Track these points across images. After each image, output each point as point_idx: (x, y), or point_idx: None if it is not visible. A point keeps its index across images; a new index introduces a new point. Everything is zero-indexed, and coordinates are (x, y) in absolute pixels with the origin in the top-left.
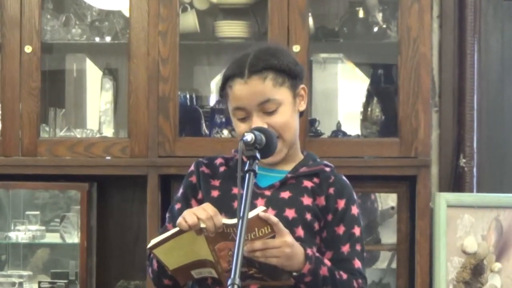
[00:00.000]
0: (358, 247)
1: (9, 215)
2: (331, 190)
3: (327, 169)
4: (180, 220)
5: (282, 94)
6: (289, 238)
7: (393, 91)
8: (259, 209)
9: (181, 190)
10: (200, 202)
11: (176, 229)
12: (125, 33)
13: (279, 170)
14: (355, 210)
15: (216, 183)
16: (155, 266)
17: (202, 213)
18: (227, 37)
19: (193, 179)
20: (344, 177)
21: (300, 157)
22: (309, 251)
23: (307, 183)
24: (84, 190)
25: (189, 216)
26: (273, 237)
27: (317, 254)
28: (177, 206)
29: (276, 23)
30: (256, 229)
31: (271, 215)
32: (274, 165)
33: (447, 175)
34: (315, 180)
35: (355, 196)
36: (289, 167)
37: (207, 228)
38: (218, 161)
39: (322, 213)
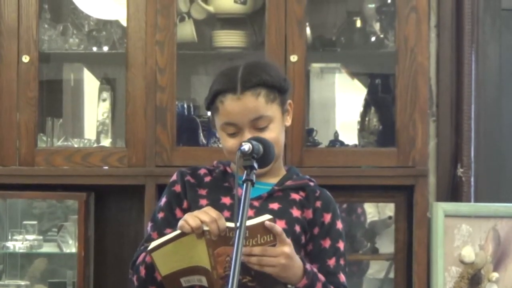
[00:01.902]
0: (342, 262)
1: (6, 224)
2: (318, 204)
3: (311, 183)
4: (182, 222)
5: (273, 110)
6: (288, 249)
7: (390, 101)
8: (265, 217)
9: (163, 199)
10: (185, 211)
11: (177, 231)
12: (122, 43)
13: (264, 182)
14: (339, 224)
15: (203, 192)
16: (142, 273)
17: (205, 216)
18: (224, 47)
19: (177, 188)
20: (327, 192)
21: (284, 171)
22: (308, 266)
23: (295, 196)
24: (82, 199)
25: (191, 219)
26: (274, 245)
27: (314, 270)
28: (160, 215)
29: (274, 32)
30: (258, 235)
31: (276, 225)
32: (259, 177)
33: (444, 184)
34: (302, 193)
35: (338, 211)
36: (273, 180)
37: (210, 231)
38: (202, 171)
39: (309, 226)
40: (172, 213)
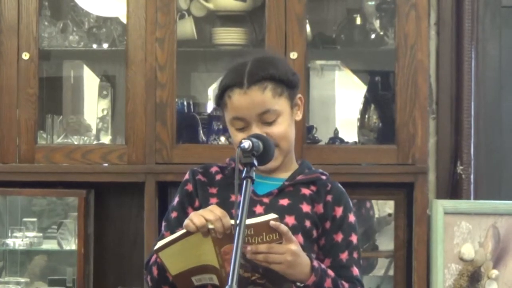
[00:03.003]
0: (355, 255)
1: (7, 222)
2: (329, 198)
3: (323, 177)
4: (187, 222)
5: (281, 104)
6: (294, 247)
7: (390, 98)
8: (271, 216)
9: (176, 199)
10: (197, 210)
11: (183, 231)
12: (122, 40)
13: (275, 178)
14: (352, 218)
15: (214, 190)
16: (155, 273)
17: (210, 215)
18: (224, 44)
19: (189, 187)
20: (340, 185)
21: (295, 165)
22: (315, 263)
23: (305, 191)
24: (82, 196)
25: (196, 218)
26: (280, 243)
27: (322, 266)
28: (173, 214)
29: (274, 30)
30: (264, 233)
31: (281, 225)
32: (270, 173)
33: (444, 182)
34: (312, 187)
35: (351, 204)
36: (285, 175)
37: (215, 229)
38: (214, 169)
39: (320, 221)
40: (185, 212)
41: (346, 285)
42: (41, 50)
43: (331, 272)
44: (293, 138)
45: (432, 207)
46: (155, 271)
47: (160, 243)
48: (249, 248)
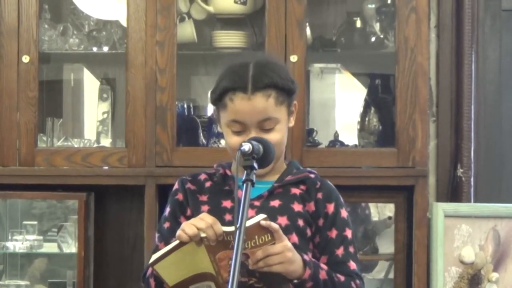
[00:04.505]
0: (351, 249)
1: (7, 225)
2: (319, 195)
3: (312, 175)
4: (179, 232)
5: (281, 112)
6: (289, 243)
7: (390, 101)
8: (260, 217)
9: (168, 209)
10: (189, 219)
11: (176, 242)
12: (122, 43)
13: (264, 181)
14: (344, 213)
15: (204, 198)
16: (152, 285)
17: (201, 223)
18: (224, 47)
19: (180, 196)
20: (329, 182)
21: (284, 166)
22: (305, 257)
23: (295, 190)
24: (82, 199)
25: (188, 227)
26: (273, 245)
27: (313, 259)
28: (166, 225)
29: (274, 33)
30: (256, 237)
31: (272, 223)
32: (259, 177)
33: (444, 185)
34: (302, 187)
35: (342, 199)
36: (274, 177)
37: (208, 237)
38: (202, 176)
39: (313, 219)
40: (177, 222)
41: (342, 278)
42: (41, 53)
43: (323, 265)
44: (285, 144)
45: (432, 210)
46: (152, 283)
47: (155, 257)
48: (249, 261)
